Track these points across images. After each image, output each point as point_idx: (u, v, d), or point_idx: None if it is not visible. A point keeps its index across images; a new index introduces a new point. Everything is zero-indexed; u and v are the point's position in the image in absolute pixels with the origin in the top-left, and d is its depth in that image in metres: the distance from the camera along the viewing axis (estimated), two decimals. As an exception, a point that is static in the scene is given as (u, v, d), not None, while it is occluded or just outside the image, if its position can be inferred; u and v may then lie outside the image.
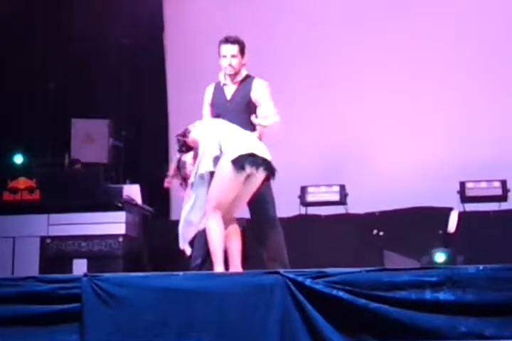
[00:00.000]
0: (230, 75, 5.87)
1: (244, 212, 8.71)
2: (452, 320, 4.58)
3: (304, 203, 9.08)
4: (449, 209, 8.15)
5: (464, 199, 8.73)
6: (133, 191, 8.55)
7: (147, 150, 9.55)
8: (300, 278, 4.78)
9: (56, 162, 9.01)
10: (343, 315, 4.70)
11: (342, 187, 8.98)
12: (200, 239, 5.81)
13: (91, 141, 9.20)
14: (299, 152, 9.31)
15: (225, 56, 5.85)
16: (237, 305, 4.85)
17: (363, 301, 4.64)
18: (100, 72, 9.50)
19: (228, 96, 5.89)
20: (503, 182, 8.65)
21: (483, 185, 8.69)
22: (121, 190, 8.42)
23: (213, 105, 5.94)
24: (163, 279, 5.10)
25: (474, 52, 9.30)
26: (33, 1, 9.62)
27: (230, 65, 5.83)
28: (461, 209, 8.50)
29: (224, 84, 5.93)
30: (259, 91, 5.86)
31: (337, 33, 9.65)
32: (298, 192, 9.08)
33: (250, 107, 5.83)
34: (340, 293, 4.70)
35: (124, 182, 8.80)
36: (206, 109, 6.05)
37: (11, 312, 5.13)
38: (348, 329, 4.68)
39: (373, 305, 4.63)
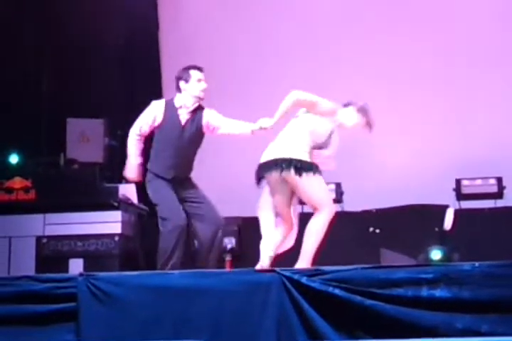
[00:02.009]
0: (197, 100, 6.08)
1: (240, 211, 8.77)
2: (448, 316, 4.59)
3: (301, 201, 9.05)
4: (445, 207, 8.16)
5: (460, 196, 8.73)
6: (129, 190, 8.53)
7: (143, 149, 9.52)
8: (296, 276, 4.79)
9: (51, 161, 8.99)
10: (339, 312, 4.71)
11: (338, 186, 8.97)
12: (180, 240, 5.90)
13: (86, 140, 9.18)
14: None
15: (200, 80, 6.09)
16: (233, 303, 4.86)
17: (358, 298, 4.66)
18: (95, 72, 9.48)
19: (182, 121, 6.08)
20: (499, 180, 8.65)
21: (479, 182, 8.69)
22: (116, 190, 8.40)
23: (164, 124, 6.08)
24: (158, 278, 5.11)
25: (471, 49, 9.29)
26: (28, 1, 9.60)
27: (204, 88, 6.09)
28: (457, 207, 8.50)
29: (175, 108, 6.09)
30: (210, 116, 6.10)
31: (336, 30, 9.64)
32: (294, 191, 9.06)
33: (201, 137, 6.14)
34: (336, 291, 4.71)
35: (120, 182, 8.76)
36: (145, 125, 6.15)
37: (7, 311, 5.13)
38: (344, 326, 4.69)
39: (369, 302, 4.65)
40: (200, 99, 6.11)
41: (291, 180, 5.51)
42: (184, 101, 6.09)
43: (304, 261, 5.37)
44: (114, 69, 9.55)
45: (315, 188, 5.50)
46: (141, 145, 6.21)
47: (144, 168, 6.25)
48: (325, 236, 8.59)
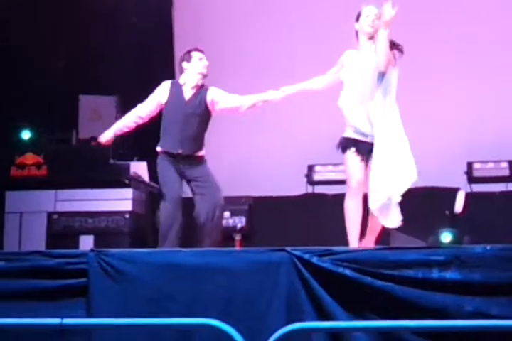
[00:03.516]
0: (201, 78, 6.28)
1: (251, 190, 8.78)
2: (459, 298, 4.59)
3: (311, 182, 9.07)
4: (456, 190, 8.15)
5: (471, 179, 8.71)
6: (140, 168, 8.55)
7: (155, 127, 9.49)
8: (307, 256, 4.79)
9: (64, 138, 9.00)
10: (349, 292, 4.71)
11: (350, 166, 8.95)
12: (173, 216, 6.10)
13: (98, 117, 9.19)
14: (307, 131, 9.28)
15: (201, 59, 6.32)
16: (243, 282, 4.87)
17: (368, 279, 4.66)
18: (108, 50, 9.45)
19: (186, 97, 6.26)
20: (511, 163, 8.63)
21: (491, 165, 8.66)
22: (128, 167, 8.42)
23: (170, 101, 6.28)
24: (169, 255, 5.12)
25: (482, 34, 9.23)
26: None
27: (206, 65, 6.31)
28: (468, 190, 8.49)
29: (180, 85, 6.30)
30: (215, 93, 6.26)
31: (347, 23, 9.58)
32: (305, 171, 9.07)
33: (204, 112, 6.25)
34: (347, 271, 4.71)
35: (132, 159, 8.78)
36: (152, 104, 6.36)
37: (18, 286, 5.15)
38: (353, 306, 4.69)
39: (379, 283, 4.65)
40: (203, 75, 6.30)
41: None
42: (187, 78, 6.30)
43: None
44: (127, 47, 9.52)
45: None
46: (131, 126, 6.54)
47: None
48: (336, 217, 8.69)
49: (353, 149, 5.69)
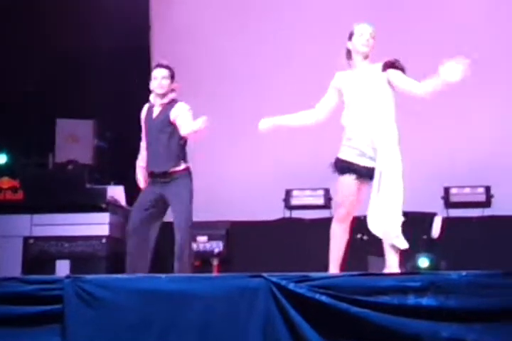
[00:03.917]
0: (159, 96, 6.27)
1: (228, 214, 8.77)
2: (434, 325, 4.59)
3: (289, 206, 9.09)
4: (433, 215, 8.18)
5: (448, 204, 8.76)
6: (117, 192, 8.53)
7: (132, 151, 9.51)
8: (283, 282, 4.78)
9: (40, 162, 8.97)
10: (326, 319, 4.70)
11: (326, 191, 9.00)
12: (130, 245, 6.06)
13: (75, 141, 9.17)
14: (284, 155, 9.30)
15: (156, 78, 6.30)
16: (220, 308, 4.85)
17: (345, 305, 4.65)
18: (86, 73, 9.46)
19: (154, 115, 6.30)
20: (487, 188, 8.69)
21: (467, 190, 8.72)
22: (105, 191, 8.40)
23: (144, 123, 6.37)
24: (146, 281, 5.09)
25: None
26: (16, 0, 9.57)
27: (160, 84, 6.27)
28: (445, 215, 8.52)
29: (152, 106, 6.34)
30: (179, 112, 6.20)
31: (329, 29, 9.62)
32: (282, 196, 9.08)
33: (171, 127, 6.21)
34: (323, 298, 4.70)
35: (109, 184, 8.76)
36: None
37: (-6, 312, 5.10)
38: (329, 333, 4.68)
39: (355, 309, 4.64)
40: (157, 94, 6.30)
41: None
42: (151, 98, 6.37)
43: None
44: (104, 70, 9.53)
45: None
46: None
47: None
48: (313, 242, 8.68)
49: (353, 175, 5.50)
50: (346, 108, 5.67)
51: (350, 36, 5.62)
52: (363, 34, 5.55)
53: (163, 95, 6.26)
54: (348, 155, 5.57)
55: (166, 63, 6.39)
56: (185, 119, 6.17)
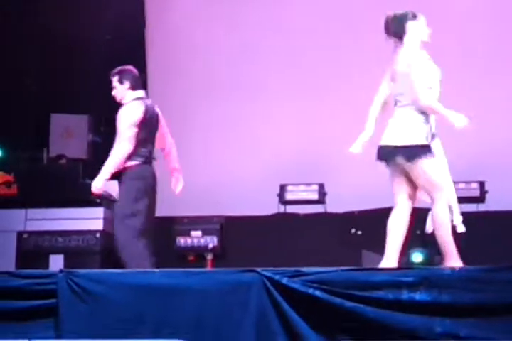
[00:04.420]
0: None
1: (223, 209, 8.77)
2: (428, 320, 4.60)
3: (283, 201, 9.08)
4: (428, 210, 8.16)
5: (442, 199, 8.73)
6: (111, 187, 8.49)
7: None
8: (277, 277, 4.79)
9: (34, 156, 8.96)
10: (319, 313, 4.71)
11: (321, 186, 9.00)
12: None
13: (70, 136, 9.17)
14: (279, 150, 9.31)
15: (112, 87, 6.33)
16: (213, 303, 4.85)
17: (338, 300, 4.66)
18: (81, 68, 9.45)
19: None
20: (481, 184, 8.68)
21: (462, 186, 8.70)
22: (99, 186, 8.37)
23: None
24: (139, 276, 5.09)
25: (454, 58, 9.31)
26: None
27: (114, 95, 6.29)
28: (439, 210, 8.51)
29: None
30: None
31: (322, 33, 9.64)
32: (277, 191, 9.08)
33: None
34: (317, 292, 4.71)
35: (103, 178, 8.73)
36: None
37: (-13, 307, 5.10)
38: (323, 328, 4.69)
39: (349, 304, 4.65)
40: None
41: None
42: None
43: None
44: (99, 65, 9.49)
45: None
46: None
47: None
48: (307, 237, 8.66)
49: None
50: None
51: (415, 16, 5.33)
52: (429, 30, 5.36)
53: (119, 102, 6.25)
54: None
55: (116, 70, 6.35)
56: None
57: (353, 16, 9.55)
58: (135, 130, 6.03)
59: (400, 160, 5.39)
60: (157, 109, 6.33)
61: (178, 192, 6.40)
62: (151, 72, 9.94)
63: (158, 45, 9.96)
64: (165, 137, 6.34)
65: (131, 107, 6.13)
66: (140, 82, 6.36)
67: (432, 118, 5.47)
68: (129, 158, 6.07)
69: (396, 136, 5.39)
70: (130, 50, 9.90)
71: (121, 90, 6.21)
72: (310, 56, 9.63)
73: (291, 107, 9.52)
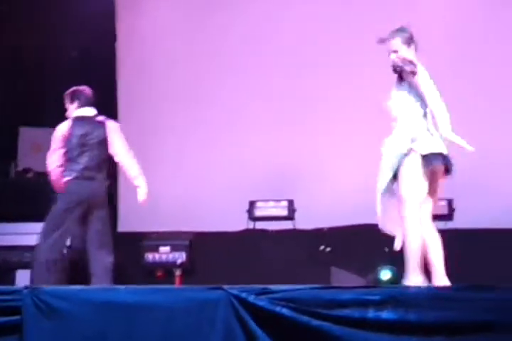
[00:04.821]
0: None
1: (192, 225, 8.75)
2: (395, 338, 4.59)
3: (252, 218, 9.07)
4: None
5: (411, 217, 8.76)
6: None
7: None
8: (244, 295, 4.76)
9: (2, 170, 8.89)
10: (286, 332, 4.68)
11: (290, 203, 8.99)
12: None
13: (39, 150, 9.09)
14: (248, 166, 9.31)
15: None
16: (179, 320, 4.81)
17: (305, 318, 4.64)
18: (51, 82, 9.41)
19: None
20: (450, 201, 8.71)
21: (430, 203, 8.73)
22: (68, 201, 8.32)
23: None
24: (105, 292, 5.05)
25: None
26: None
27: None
28: (408, 227, 8.52)
29: None
30: None
31: (289, 46, 9.65)
32: (246, 207, 9.07)
33: None
34: (284, 310, 4.68)
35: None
36: None
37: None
38: (290, 346, 4.67)
39: (316, 322, 4.63)
40: None
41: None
42: None
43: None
44: (68, 79, 9.47)
45: None
46: None
47: None
48: (276, 253, 8.65)
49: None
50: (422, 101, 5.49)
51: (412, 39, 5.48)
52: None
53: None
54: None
55: (67, 91, 6.64)
56: None
57: (327, 38, 9.60)
58: (58, 146, 6.38)
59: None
60: (109, 124, 6.55)
61: (147, 205, 6.45)
62: (121, 86, 9.92)
63: (129, 59, 9.94)
64: (113, 147, 6.47)
65: (58, 126, 6.50)
66: (91, 101, 6.57)
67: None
68: (62, 174, 6.33)
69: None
70: (100, 65, 9.88)
71: (70, 110, 6.54)
72: (281, 69, 9.64)
73: (261, 124, 9.53)
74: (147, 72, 9.77)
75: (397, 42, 5.53)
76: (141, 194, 6.39)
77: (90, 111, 6.52)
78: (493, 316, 4.54)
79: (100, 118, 6.53)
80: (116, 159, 6.49)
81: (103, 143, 6.42)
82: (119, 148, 6.46)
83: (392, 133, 5.58)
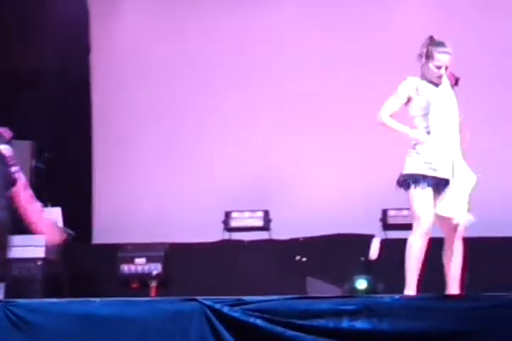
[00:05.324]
0: None
1: (167, 236, 8.73)
2: (369, 348, 4.61)
3: (228, 228, 9.07)
4: (371, 237, 8.22)
5: (386, 226, 8.81)
6: (54, 214, 8.41)
7: (69, 172, 9.44)
8: (218, 306, 4.77)
9: None
10: (261, 343, 4.69)
11: (266, 213, 9.01)
12: None
13: (13, 162, 9.04)
14: (224, 177, 9.31)
15: None
16: (154, 332, 4.81)
17: (279, 329, 4.65)
18: (24, 93, 9.38)
19: None
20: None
21: (405, 213, 8.75)
22: (42, 213, 8.28)
23: None
24: (80, 305, 5.02)
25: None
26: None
27: None
28: (383, 237, 8.57)
29: None
30: None
31: (268, 54, 9.67)
32: (222, 217, 9.07)
33: None
34: (258, 321, 4.69)
35: (46, 205, 8.63)
36: None
37: None
38: (264, 357, 4.67)
39: (290, 333, 4.64)
40: None
41: None
42: None
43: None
44: (43, 91, 9.47)
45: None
46: None
47: None
48: (252, 264, 8.64)
49: (423, 184, 5.42)
50: (424, 118, 5.47)
51: (430, 55, 5.28)
52: (441, 67, 5.30)
53: None
54: (419, 168, 5.54)
55: None
56: None
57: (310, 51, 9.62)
58: None
59: None
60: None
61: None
62: (95, 98, 9.90)
63: (103, 71, 9.91)
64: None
65: None
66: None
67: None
68: None
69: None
70: (75, 76, 9.85)
71: None
72: (261, 76, 9.65)
73: (236, 135, 9.54)
74: (121, 80, 9.75)
75: None
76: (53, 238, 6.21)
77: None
78: (464, 325, 4.57)
79: None
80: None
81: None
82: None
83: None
